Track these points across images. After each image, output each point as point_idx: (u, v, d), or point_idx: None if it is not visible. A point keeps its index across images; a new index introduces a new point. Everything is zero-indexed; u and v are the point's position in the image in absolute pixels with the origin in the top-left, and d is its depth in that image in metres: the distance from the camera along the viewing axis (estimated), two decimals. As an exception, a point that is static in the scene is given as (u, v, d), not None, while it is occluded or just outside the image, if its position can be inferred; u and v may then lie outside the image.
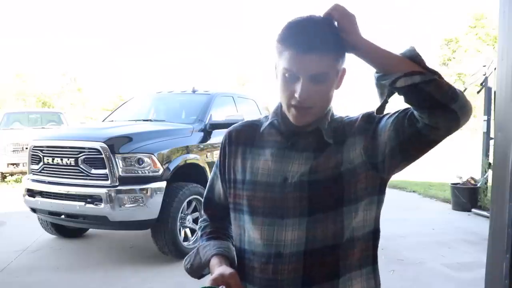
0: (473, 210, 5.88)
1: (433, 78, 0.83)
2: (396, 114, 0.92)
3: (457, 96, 0.83)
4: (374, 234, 1.03)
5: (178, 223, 3.94)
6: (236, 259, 1.08)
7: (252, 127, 1.11)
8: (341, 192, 0.96)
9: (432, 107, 0.83)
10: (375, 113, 0.94)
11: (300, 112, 0.96)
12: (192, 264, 1.09)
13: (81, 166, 3.81)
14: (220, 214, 1.17)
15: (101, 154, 3.72)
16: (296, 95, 0.93)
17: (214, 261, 1.03)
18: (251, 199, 1.02)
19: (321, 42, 0.90)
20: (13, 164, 8.88)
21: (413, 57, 0.86)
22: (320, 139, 1.00)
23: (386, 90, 0.88)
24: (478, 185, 5.99)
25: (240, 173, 1.06)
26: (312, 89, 0.92)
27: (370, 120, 0.97)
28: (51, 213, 4.06)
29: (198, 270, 1.09)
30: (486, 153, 5.88)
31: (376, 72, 0.90)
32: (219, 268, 0.99)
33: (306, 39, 0.90)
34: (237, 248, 1.08)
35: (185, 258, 1.12)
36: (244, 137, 1.10)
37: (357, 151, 0.96)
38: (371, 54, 0.89)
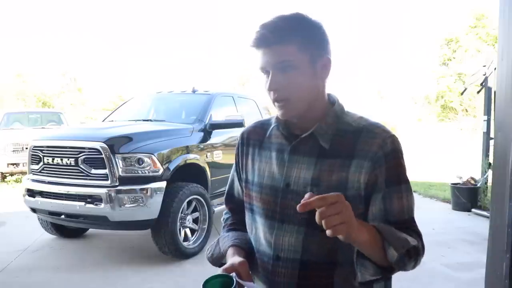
0: (473, 210, 5.87)
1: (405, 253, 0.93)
2: (382, 213, 0.96)
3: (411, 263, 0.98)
4: None
5: (178, 223, 3.94)
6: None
7: (262, 127, 1.12)
8: None
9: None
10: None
11: (279, 106, 0.97)
12: (213, 254, 1.16)
13: (81, 166, 3.81)
14: (239, 208, 1.20)
15: (101, 154, 3.72)
16: (266, 86, 0.96)
17: (229, 252, 1.08)
18: (258, 200, 1.07)
19: (277, 32, 0.92)
20: (13, 164, 8.86)
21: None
22: (319, 143, 0.98)
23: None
24: (478, 185, 5.98)
25: (250, 173, 1.11)
26: (281, 79, 0.94)
27: (391, 173, 0.96)
28: (51, 213, 4.06)
29: (218, 260, 1.14)
30: (486, 153, 5.87)
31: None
32: (231, 258, 1.03)
33: (264, 33, 0.93)
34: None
35: (208, 248, 1.19)
36: (254, 138, 1.13)
37: (362, 179, 0.95)
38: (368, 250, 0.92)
